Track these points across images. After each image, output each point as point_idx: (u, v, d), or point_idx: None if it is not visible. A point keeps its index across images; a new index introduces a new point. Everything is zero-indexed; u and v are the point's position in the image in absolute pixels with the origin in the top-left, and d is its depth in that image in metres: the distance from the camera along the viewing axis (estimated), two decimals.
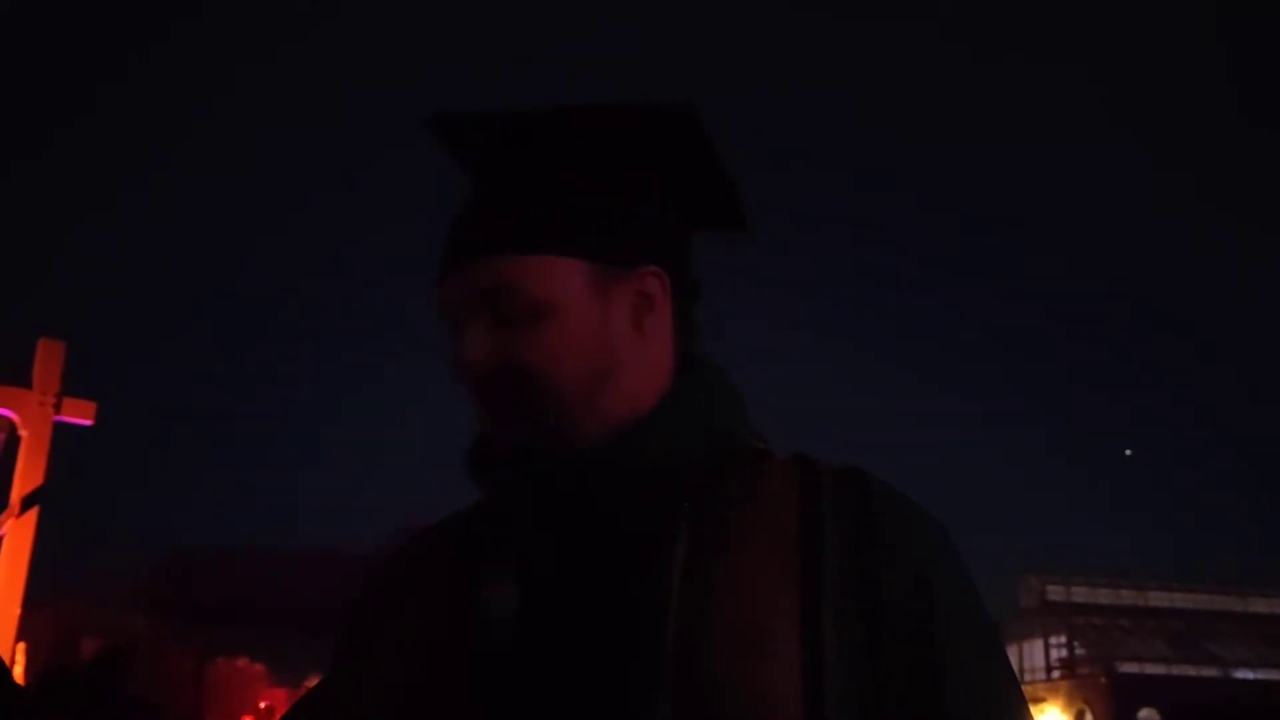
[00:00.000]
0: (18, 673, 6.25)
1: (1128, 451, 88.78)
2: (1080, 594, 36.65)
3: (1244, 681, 33.89)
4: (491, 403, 0.96)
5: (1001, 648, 0.96)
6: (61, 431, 6.77)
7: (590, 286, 0.96)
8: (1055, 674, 34.69)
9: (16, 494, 6.46)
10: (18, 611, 6.24)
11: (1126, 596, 37.10)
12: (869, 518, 0.92)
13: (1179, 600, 37.43)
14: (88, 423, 6.84)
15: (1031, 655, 35.51)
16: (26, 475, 6.54)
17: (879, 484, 0.96)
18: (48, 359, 6.74)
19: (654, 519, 0.92)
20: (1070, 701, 32.12)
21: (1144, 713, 30.96)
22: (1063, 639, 35.22)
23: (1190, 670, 33.88)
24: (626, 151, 1.00)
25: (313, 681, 1.13)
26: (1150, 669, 33.45)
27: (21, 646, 6.32)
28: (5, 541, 6.38)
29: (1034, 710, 0.98)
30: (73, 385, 6.88)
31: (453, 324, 0.98)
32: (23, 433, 6.58)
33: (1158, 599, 37.30)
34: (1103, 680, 31.91)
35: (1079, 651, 34.76)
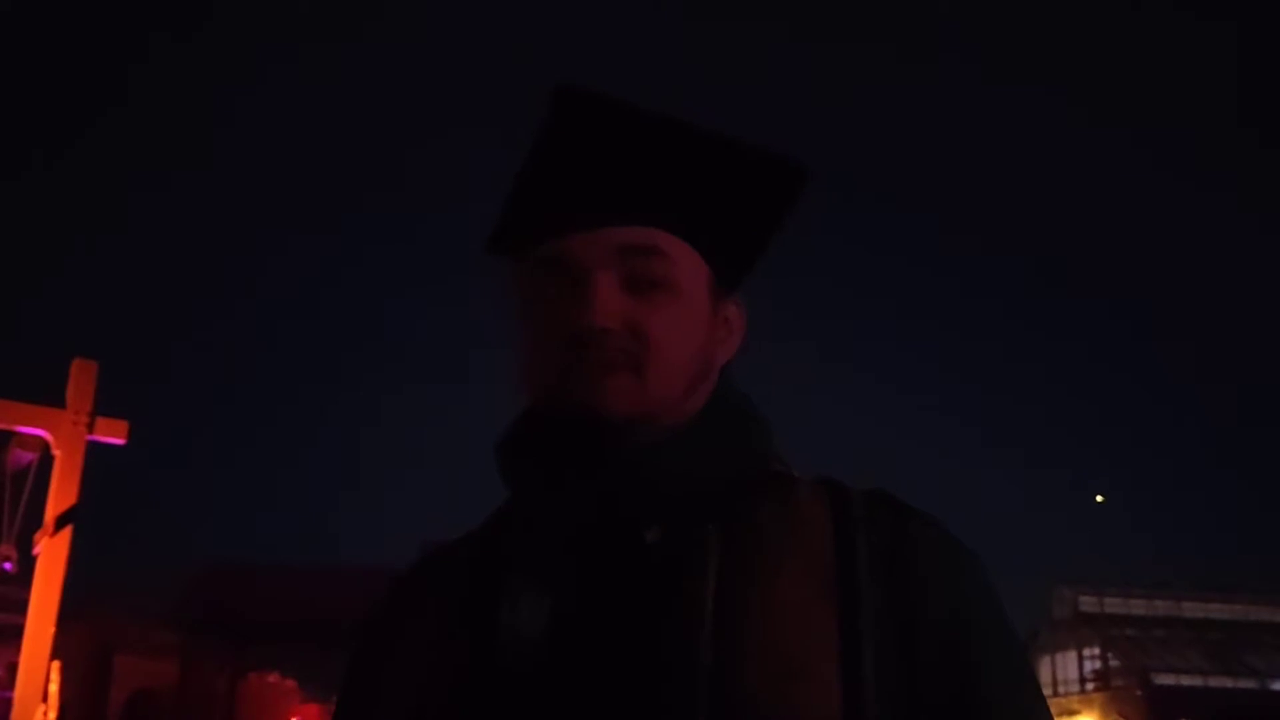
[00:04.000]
0: (52, 691, 6.29)
1: (1100, 498, 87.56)
2: (1114, 605, 36.22)
3: None
4: (603, 361, 0.93)
5: (1034, 673, 0.96)
6: (94, 448, 6.81)
7: (708, 292, 1.01)
8: (1090, 686, 34.34)
9: (50, 513, 6.50)
10: (53, 630, 6.27)
11: (1161, 607, 36.63)
12: (902, 541, 0.93)
13: (1215, 611, 36.92)
14: (120, 442, 6.87)
15: (1065, 667, 35.15)
16: (60, 494, 6.57)
17: (910, 508, 0.96)
18: (81, 378, 6.77)
19: (687, 540, 0.92)
20: (1105, 714, 31.80)
21: None
22: (1096, 651, 34.85)
23: (1228, 682, 33.43)
24: (761, 188, 1.01)
25: None
26: (1186, 681, 33.01)
27: (56, 665, 6.35)
28: (39, 561, 6.43)
29: None
30: (104, 404, 6.92)
31: (572, 277, 0.95)
32: (56, 452, 6.62)
33: (1193, 609, 36.81)
34: (1138, 692, 31.57)
35: (1113, 663, 34.37)
